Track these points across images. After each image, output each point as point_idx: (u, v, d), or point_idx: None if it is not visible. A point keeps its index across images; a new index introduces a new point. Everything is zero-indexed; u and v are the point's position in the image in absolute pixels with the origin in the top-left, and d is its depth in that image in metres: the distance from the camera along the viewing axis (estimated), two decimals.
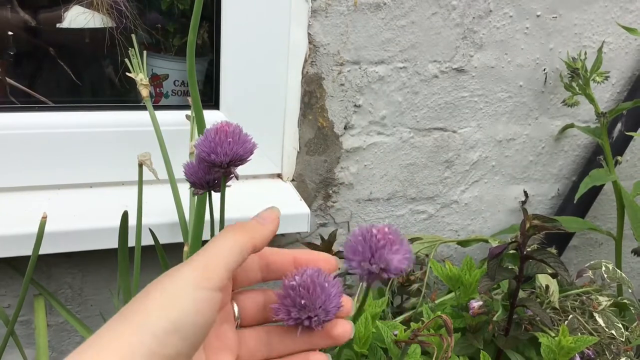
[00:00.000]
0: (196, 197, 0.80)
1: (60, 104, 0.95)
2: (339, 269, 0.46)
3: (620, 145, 1.18)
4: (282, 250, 0.46)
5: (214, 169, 0.56)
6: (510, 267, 0.87)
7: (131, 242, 0.80)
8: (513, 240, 0.85)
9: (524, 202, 1.20)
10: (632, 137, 1.17)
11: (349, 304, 0.44)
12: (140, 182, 0.78)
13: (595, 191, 1.18)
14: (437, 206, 1.16)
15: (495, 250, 0.85)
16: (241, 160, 0.55)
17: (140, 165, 0.77)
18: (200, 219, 0.78)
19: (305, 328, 0.42)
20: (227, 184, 0.59)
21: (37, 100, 0.95)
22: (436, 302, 0.95)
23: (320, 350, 0.45)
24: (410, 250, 0.41)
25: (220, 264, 0.38)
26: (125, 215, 0.76)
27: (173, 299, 0.36)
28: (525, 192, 1.20)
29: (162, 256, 0.83)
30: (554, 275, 0.95)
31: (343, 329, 0.44)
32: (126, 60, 0.85)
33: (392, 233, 0.40)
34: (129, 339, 0.33)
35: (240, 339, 0.44)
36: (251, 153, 0.55)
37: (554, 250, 1.02)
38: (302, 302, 0.41)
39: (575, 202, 1.05)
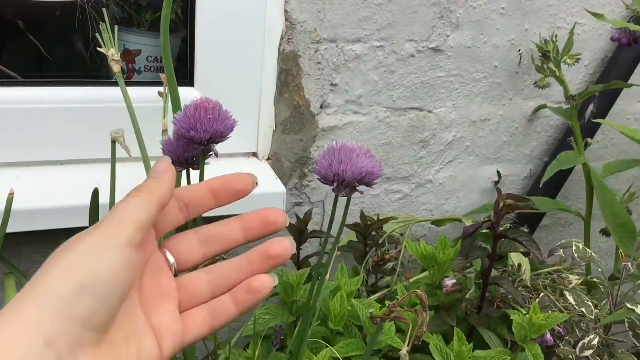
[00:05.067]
0: None
1: (30, 79, 0.93)
2: (256, 184, 0.48)
3: (592, 127, 1.19)
4: (196, 185, 0.46)
5: (193, 146, 0.55)
6: (483, 246, 0.88)
7: None
8: (487, 219, 0.86)
9: (497, 183, 1.21)
10: (603, 118, 1.19)
11: (281, 217, 0.45)
12: (113, 160, 0.76)
13: (566, 172, 1.20)
14: (412, 186, 1.16)
15: (469, 229, 0.85)
16: (221, 137, 0.54)
17: (113, 142, 0.75)
18: None
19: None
20: (206, 161, 0.58)
21: (6, 75, 0.93)
22: (410, 280, 0.96)
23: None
24: (378, 163, 0.49)
25: (126, 221, 0.38)
26: (96, 193, 0.74)
27: (79, 260, 0.35)
28: (498, 173, 1.21)
29: None
30: (526, 254, 0.97)
31: (281, 247, 0.43)
32: (97, 35, 0.82)
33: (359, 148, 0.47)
34: (29, 312, 0.33)
35: (180, 285, 0.44)
36: (232, 130, 0.54)
37: (526, 230, 1.03)
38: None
39: (541, 185, 1.07)
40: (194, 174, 0.60)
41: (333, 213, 0.59)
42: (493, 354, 0.79)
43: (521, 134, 1.20)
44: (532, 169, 1.25)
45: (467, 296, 0.88)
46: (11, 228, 0.75)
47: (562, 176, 1.21)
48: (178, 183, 0.75)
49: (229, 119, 0.54)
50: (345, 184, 0.54)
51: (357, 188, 0.56)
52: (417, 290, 0.52)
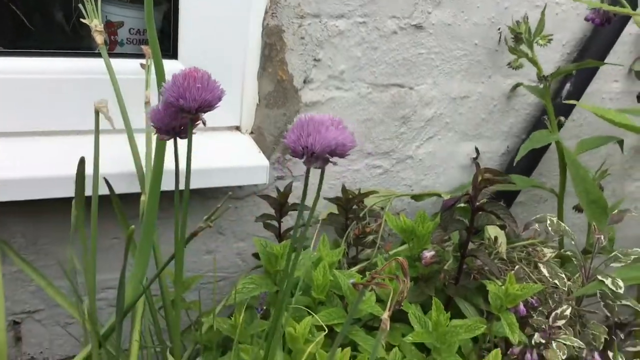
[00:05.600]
0: (154, 146, 0.80)
1: (11, 49, 0.92)
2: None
3: (569, 106, 1.22)
4: None
5: (181, 115, 0.56)
6: (461, 219, 0.91)
7: (88, 192, 0.78)
8: (465, 193, 0.88)
9: (475, 159, 1.24)
10: (579, 97, 1.22)
11: None
12: (96, 130, 0.76)
13: (541, 149, 1.23)
14: (392, 161, 1.18)
15: (448, 202, 0.88)
16: (209, 106, 0.55)
17: (97, 113, 0.75)
18: (159, 168, 0.77)
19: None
20: (193, 131, 0.59)
21: None
22: (390, 253, 0.98)
23: None
24: (349, 134, 0.52)
25: None
26: (82, 161, 0.74)
27: None
28: (476, 149, 1.23)
29: (118, 206, 0.83)
30: (502, 227, 1.00)
31: None
32: (80, 5, 0.82)
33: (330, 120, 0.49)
34: None
35: None
36: (219, 100, 0.55)
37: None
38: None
39: (515, 164, 1.09)
40: (181, 144, 0.61)
41: (305, 185, 0.60)
42: (469, 322, 0.81)
43: (499, 111, 1.22)
44: (510, 145, 1.27)
45: (445, 267, 0.90)
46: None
47: (538, 154, 1.24)
48: (161, 154, 0.76)
49: (217, 89, 0.55)
50: (315, 156, 0.55)
51: (330, 159, 0.57)
52: (399, 257, 0.54)
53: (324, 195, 1.08)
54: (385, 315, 0.55)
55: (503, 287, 0.83)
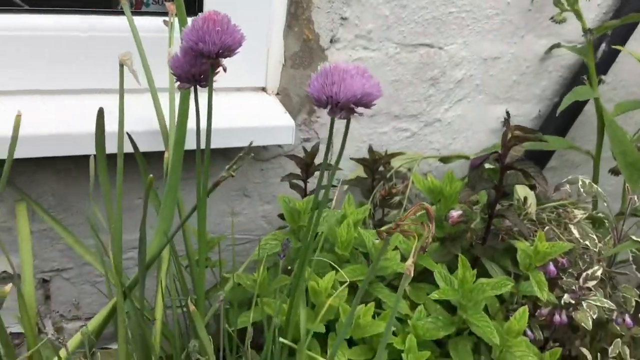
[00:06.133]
0: (177, 105, 0.79)
1: (36, 7, 0.92)
2: None
3: (603, 67, 1.18)
4: None
5: (201, 60, 0.55)
6: (490, 179, 0.89)
7: (113, 149, 0.78)
8: (494, 151, 0.86)
9: (505, 122, 1.21)
10: (614, 59, 1.18)
11: None
12: (121, 84, 0.76)
13: (575, 112, 1.20)
14: (420, 124, 1.16)
15: (476, 161, 0.86)
16: (230, 51, 0.54)
17: (122, 66, 0.75)
18: (183, 121, 0.77)
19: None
20: (214, 79, 0.58)
21: (12, 3, 0.92)
22: (417, 214, 0.97)
23: None
24: (375, 83, 0.46)
25: None
26: (100, 112, 0.74)
27: None
28: (507, 112, 1.20)
29: (142, 162, 0.83)
30: (532, 189, 0.97)
31: None
32: None
33: (355, 68, 0.46)
34: None
35: None
36: (240, 44, 0.54)
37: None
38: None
39: (556, 116, 1.06)
40: (202, 93, 0.61)
41: (330, 134, 0.59)
42: (496, 280, 0.80)
43: (532, 73, 1.19)
44: (542, 109, 1.24)
45: (472, 226, 0.88)
46: (21, 154, 0.75)
47: (571, 116, 1.20)
48: (185, 106, 0.76)
49: (237, 33, 0.54)
50: (339, 106, 0.54)
51: (356, 110, 0.55)
52: (424, 203, 0.52)
53: (351, 157, 1.07)
54: (410, 261, 0.54)
55: (532, 245, 0.81)
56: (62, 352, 0.73)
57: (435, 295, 0.77)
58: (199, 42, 0.53)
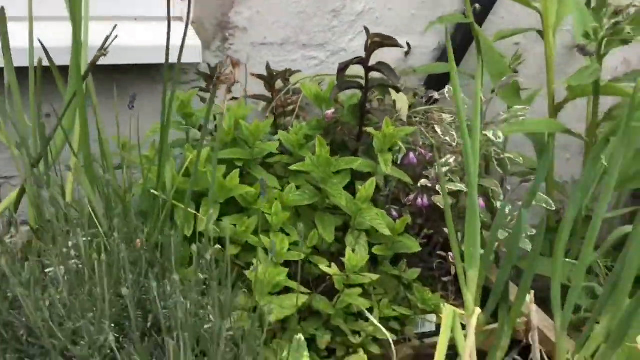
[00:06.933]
0: None
1: None
2: None
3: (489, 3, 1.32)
4: None
5: None
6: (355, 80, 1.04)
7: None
8: (358, 56, 1.01)
9: (407, 53, 1.35)
10: None
11: None
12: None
13: (466, 43, 1.34)
14: (327, 53, 1.31)
15: (341, 65, 1.01)
16: None
17: None
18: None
19: None
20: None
21: None
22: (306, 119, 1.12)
23: None
24: None
25: None
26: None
27: None
28: (407, 44, 1.35)
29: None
30: (415, 96, 1.12)
31: None
32: None
33: None
34: None
35: None
36: None
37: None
38: None
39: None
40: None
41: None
42: (350, 157, 0.95)
43: (428, 8, 1.33)
44: (441, 41, 1.38)
45: (341, 117, 1.04)
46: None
47: (463, 47, 1.34)
48: None
49: None
50: None
51: None
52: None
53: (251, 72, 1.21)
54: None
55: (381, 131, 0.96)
56: None
57: (294, 167, 0.93)
58: None
